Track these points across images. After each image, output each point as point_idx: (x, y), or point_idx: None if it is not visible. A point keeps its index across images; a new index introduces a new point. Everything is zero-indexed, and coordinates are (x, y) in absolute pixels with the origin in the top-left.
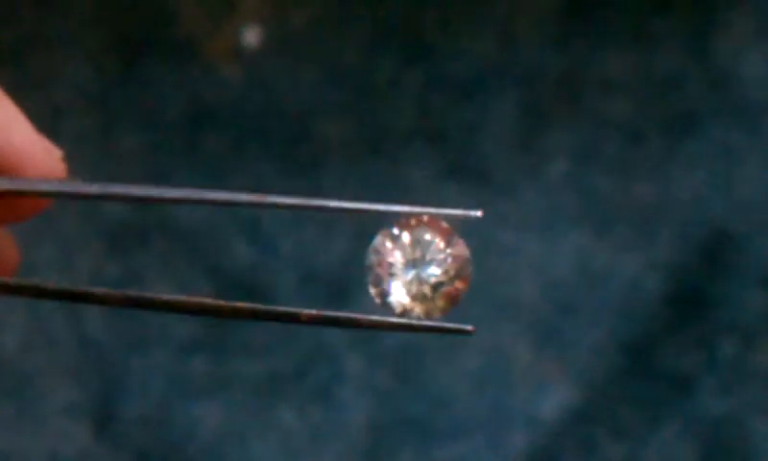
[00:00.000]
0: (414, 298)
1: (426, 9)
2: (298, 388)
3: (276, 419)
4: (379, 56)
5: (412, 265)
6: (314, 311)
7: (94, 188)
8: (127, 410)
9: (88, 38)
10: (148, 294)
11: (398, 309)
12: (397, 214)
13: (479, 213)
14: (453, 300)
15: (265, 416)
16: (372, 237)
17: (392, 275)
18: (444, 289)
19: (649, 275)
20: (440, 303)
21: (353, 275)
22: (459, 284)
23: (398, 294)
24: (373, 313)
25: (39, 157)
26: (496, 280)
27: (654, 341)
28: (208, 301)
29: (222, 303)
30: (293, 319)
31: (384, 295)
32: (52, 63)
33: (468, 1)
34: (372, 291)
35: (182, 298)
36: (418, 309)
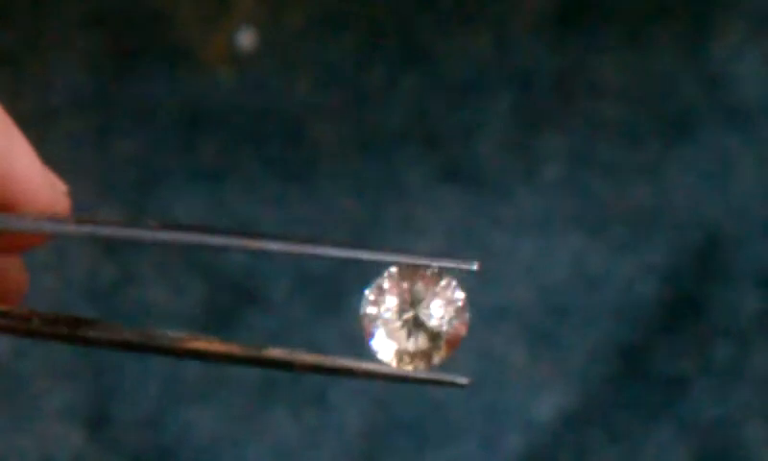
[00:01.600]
0: (408, 355)
1: (421, 11)
2: (292, 392)
3: (271, 422)
4: (374, 58)
5: (406, 318)
6: (308, 360)
7: (86, 229)
8: (121, 413)
9: (83, 41)
10: (138, 336)
11: (394, 362)
12: (390, 263)
13: (475, 266)
14: (451, 347)
15: (259, 420)
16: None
17: (386, 329)
18: (441, 340)
19: (644, 278)
20: (437, 353)
21: (347, 279)
22: (457, 331)
23: (390, 350)
24: None
25: (42, 189)
26: (491, 283)
27: (649, 344)
28: (200, 345)
29: (215, 347)
30: (286, 366)
31: (378, 346)
32: (47, 66)
33: (462, 3)
34: (372, 344)
35: (178, 341)
36: (412, 364)
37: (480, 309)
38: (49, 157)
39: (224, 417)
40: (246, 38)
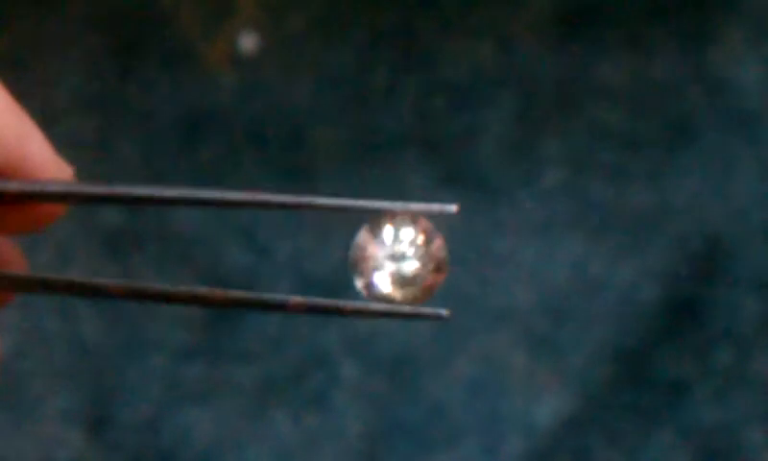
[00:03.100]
0: (394, 286)
1: (423, 15)
2: (292, 394)
3: (271, 425)
4: (375, 62)
5: (392, 259)
6: (300, 299)
7: (99, 189)
8: (121, 415)
9: (85, 43)
10: (137, 284)
11: (381, 299)
12: (379, 210)
13: (454, 208)
14: (429, 291)
15: (260, 422)
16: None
17: (374, 268)
18: (422, 281)
19: (644, 282)
20: (416, 293)
21: (348, 281)
22: (436, 277)
23: (382, 284)
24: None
25: (52, 171)
26: (492, 287)
27: (649, 349)
28: (200, 289)
29: (212, 291)
30: (281, 307)
31: (369, 287)
32: (48, 68)
33: (464, 7)
34: (359, 284)
35: (172, 288)
36: (398, 297)
37: (480, 313)
38: None
39: (224, 419)
40: (247, 41)
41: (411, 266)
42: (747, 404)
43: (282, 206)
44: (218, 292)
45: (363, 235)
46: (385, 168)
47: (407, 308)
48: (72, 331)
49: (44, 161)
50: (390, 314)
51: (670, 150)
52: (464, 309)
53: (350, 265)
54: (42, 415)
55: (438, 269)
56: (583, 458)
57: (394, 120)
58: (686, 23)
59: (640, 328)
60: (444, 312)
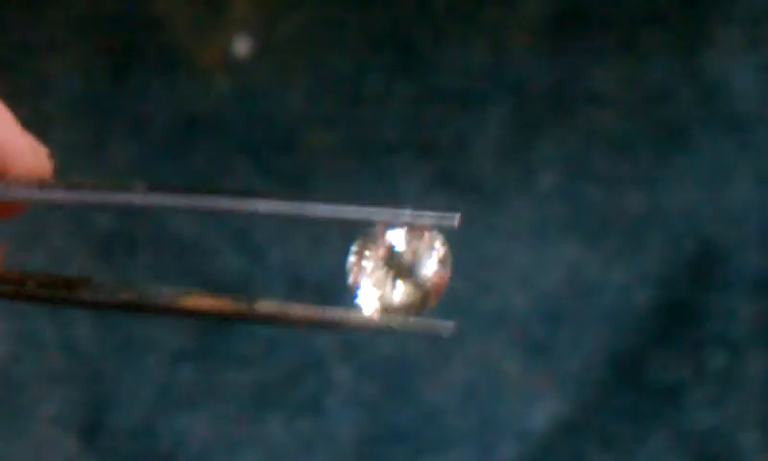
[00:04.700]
0: (392, 306)
1: (417, 20)
2: (286, 399)
3: (265, 430)
4: (369, 66)
5: (389, 270)
6: (298, 313)
7: (75, 195)
8: (115, 420)
9: (78, 48)
10: (132, 296)
11: (377, 314)
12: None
13: (456, 221)
14: (434, 297)
15: (253, 427)
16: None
17: (370, 282)
18: (424, 291)
19: (638, 286)
20: (420, 303)
21: (342, 286)
22: (439, 282)
23: (374, 302)
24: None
25: (25, 153)
26: (486, 292)
27: (643, 353)
28: (193, 302)
29: (208, 304)
30: (276, 321)
31: (363, 298)
32: (42, 73)
33: (458, 13)
34: (351, 286)
35: (172, 300)
36: (397, 315)
37: (475, 317)
38: None
39: (217, 424)
40: (241, 46)
41: (411, 280)
42: (741, 408)
43: (279, 214)
44: (210, 301)
45: (358, 247)
46: (378, 172)
47: (407, 325)
48: (66, 336)
49: (15, 143)
50: (390, 330)
51: (664, 154)
52: (458, 313)
53: (346, 276)
54: (36, 420)
55: (442, 267)
56: None
57: (388, 124)
58: (680, 28)
59: (635, 332)
60: (449, 327)
